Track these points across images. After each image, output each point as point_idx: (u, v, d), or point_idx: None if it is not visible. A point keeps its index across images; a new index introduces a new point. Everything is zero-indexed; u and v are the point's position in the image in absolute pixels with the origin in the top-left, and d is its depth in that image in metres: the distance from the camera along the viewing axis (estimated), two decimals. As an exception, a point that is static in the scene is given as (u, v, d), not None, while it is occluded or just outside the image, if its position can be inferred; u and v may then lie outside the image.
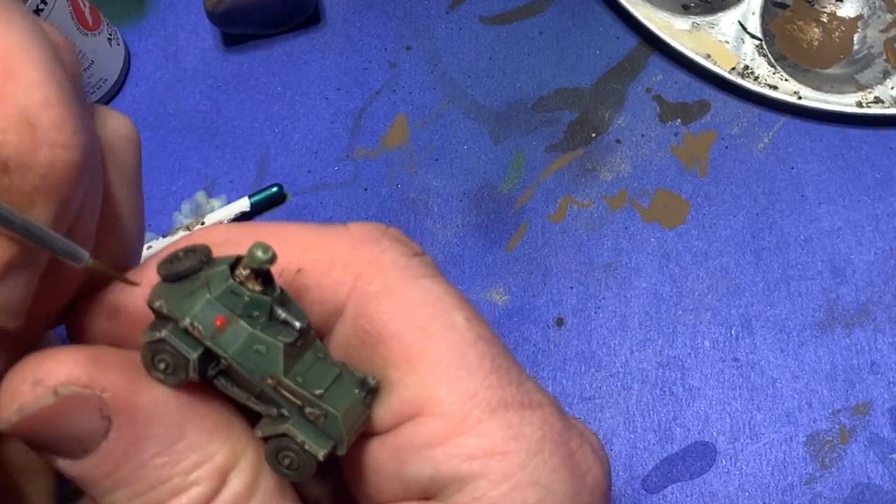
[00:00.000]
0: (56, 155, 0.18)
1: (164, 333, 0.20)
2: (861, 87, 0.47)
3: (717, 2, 0.50)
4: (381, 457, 0.21)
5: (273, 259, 0.20)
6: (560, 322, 0.43)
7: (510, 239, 0.45)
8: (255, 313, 0.20)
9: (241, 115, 0.48)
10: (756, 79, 0.47)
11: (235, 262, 0.20)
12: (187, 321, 0.20)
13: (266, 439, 0.21)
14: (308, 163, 0.47)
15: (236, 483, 0.20)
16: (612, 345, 0.43)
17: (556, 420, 0.22)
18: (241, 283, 0.20)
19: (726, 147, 0.47)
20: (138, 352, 0.21)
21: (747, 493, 0.40)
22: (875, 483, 0.40)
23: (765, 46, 0.48)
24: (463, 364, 0.21)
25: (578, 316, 0.43)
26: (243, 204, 0.45)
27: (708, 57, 0.47)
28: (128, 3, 0.52)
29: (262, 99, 0.49)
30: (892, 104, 0.46)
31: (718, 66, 0.47)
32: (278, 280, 0.21)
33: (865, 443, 0.40)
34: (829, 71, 0.49)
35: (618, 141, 0.47)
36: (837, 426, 0.41)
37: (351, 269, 0.22)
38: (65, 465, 0.20)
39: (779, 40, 0.49)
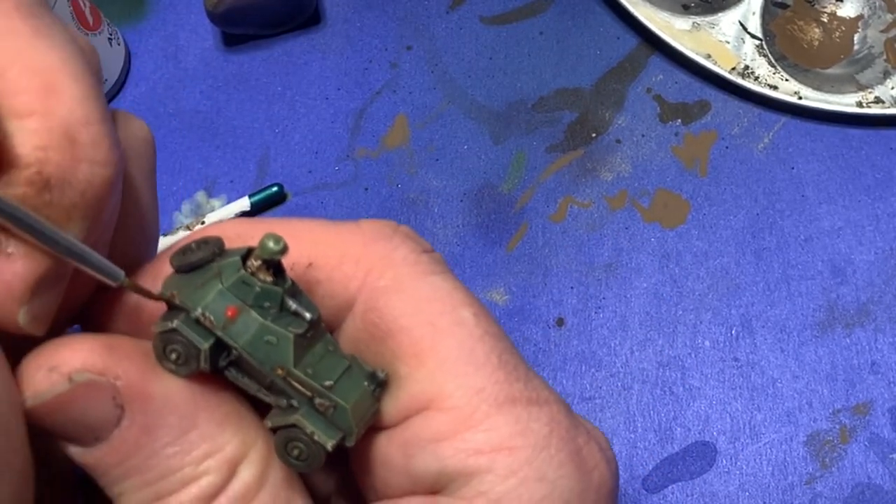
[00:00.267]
0: (94, 172, 0.18)
1: (175, 323, 0.20)
2: (861, 87, 0.47)
3: (717, 2, 0.50)
4: (389, 451, 0.22)
5: (284, 250, 0.20)
6: (560, 322, 0.43)
7: (510, 239, 0.45)
8: (266, 304, 0.20)
9: (241, 115, 0.48)
10: (756, 79, 0.47)
11: (247, 254, 0.21)
12: (199, 311, 0.20)
13: (275, 430, 0.21)
14: (308, 163, 0.47)
15: (246, 474, 0.20)
16: (613, 345, 0.43)
17: (563, 417, 0.22)
18: (253, 274, 0.20)
19: (726, 147, 0.47)
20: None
21: (747, 493, 0.40)
22: (875, 483, 0.40)
23: (765, 46, 0.48)
24: (471, 359, 0.21)
25: (579, 316, 0.43)
26: (243, 204, 0.45)
27: (708, 57, 0.47)
28: (128, 3, 0.52)
29: (262, 99, 0.49)
30: (892, 104, 0.46)
31: (719, 66, 0.47)
32: (289, 273, 0.21)
33: (866, 443, 0.40)
34: (829, 71, 0.49)
35: (618, 141, 0.47)
36: (838, 426, 0.41)
37: (362, 264, 0.22)
38: (76, 452, 0.20)
39: (779, 40, 0.49)
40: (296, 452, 0.20)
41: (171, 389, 0.20)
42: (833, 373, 0.42)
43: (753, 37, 0.48)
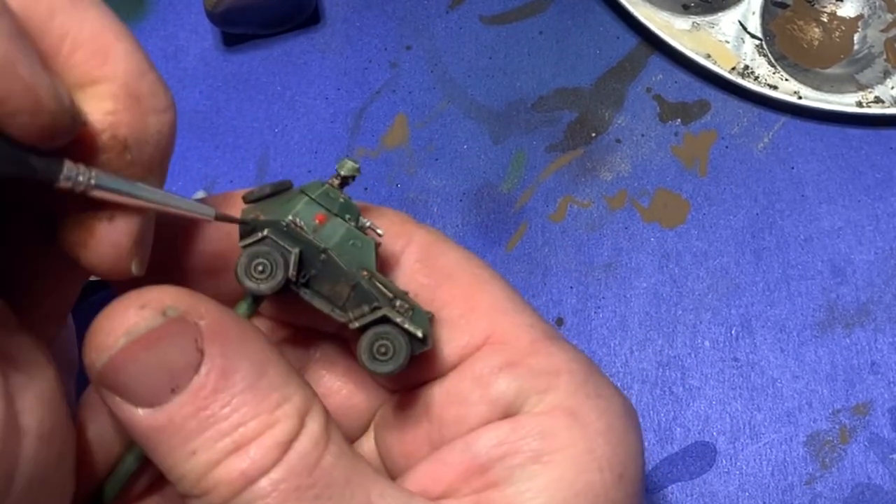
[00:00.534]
0: (161, 120, 0.19)
1: (266, 231, 0.21)
2: (861, 87, 0.47)
3: (717, 1, 0.50)
4: (461, 386, 0.23)
5: (359, 170, 0.23)
6: (560, 322, 0.43)
7: (510, 239, 0.45)
8: (347, 216, 0.22)
9: (240, 115, 0.48)
10: (756, 79, 0.47)
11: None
12: (290, 217, 0.21)
13: (363, 329, 0.22)
14: (308, 162, 0.47)
15: (313, 426, 0.21)
16: (612, 345, 0.43)
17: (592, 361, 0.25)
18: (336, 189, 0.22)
19: (726, 147, 0.47)
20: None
21: (747, 493, 0.40)
22: (875, 483, 0.40)
23: (765, 46, 0.48)
24: (514, 303, 0.24)
25: (578, 316, 0.43)
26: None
27: (708, 57, 0.47)
28: (128, 3, 0.52)
29: (261, 99, 0.49)
30: (892, 104, 0.46)
31: (718, 65, 0.47)
32: None
33: (865, 443, 0.40)
34: (829, 71, 0.49)
35: (618, 141, 0.47)
36: (837, 426, 0.41)
37: (406, 227, 0.25)
38: (147, 415, 0.20)
39: (779, 40, 0.49)
40: (383, 350, 0.21)
41: (247, 333, 0.21)
42: (833, 373, 0.42)
43: (753, 37, 0.48)
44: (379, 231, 0.23)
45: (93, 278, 0.22)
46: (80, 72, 0.18)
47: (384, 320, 0.21)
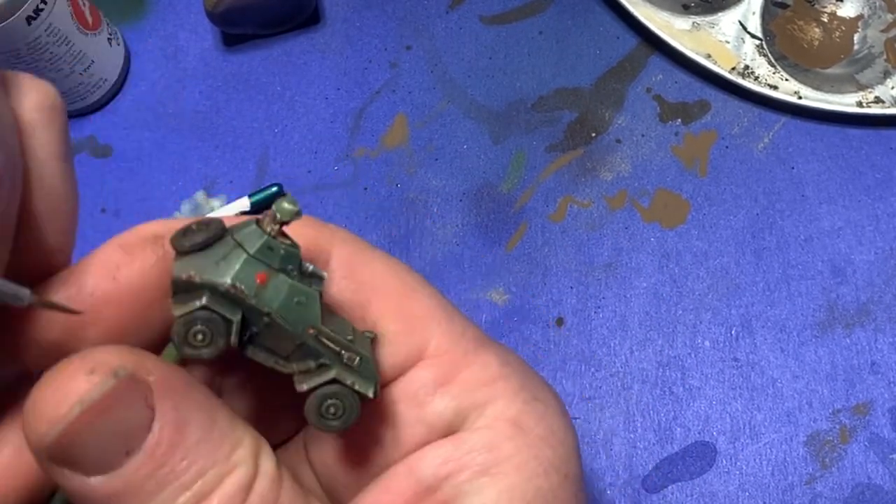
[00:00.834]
0: None
1: (204, 300, 0.20)
2: (861, 87, 0.47)
3: (717, 2, 0.50)
4: (398, 407, 0.23)
5: (300, 211, 0.21)
6: (560, 322, 0.43)
7: (510, 239, 0.45)
8: (290, 267, 0.21)
9: (240, 115, 0.48)
10: (756, 79, 0.47)
11: (258, 223, 0.21)
12: (228, 282, 0.20)
13: (310, 392, 0.21)
14: (308, 163, 0.47)
15: (267, 465, 0.21)
16: (612, 344, 0.42)
17: (521, 359, 0.25)
18: (274, 238, 0.21)
19: (726, 147, 0.47)
20: (129, 296, 0.21)
21: (747, 493, 0.40)
22: (875, 483, 0.40)
23: (765, 46, 0.48)
24: (445, 310, 0.24)
25: (578, 316, 0.43)
26: (243, 203, 0.45)
27: (708, 57, 0.47)
28: (128, 2, 0.52)
29: (261, 99, 0.49)
30: (892, 104, 0.46)
31: (719, 65, 0.47)
32: None
33: (865, 443, 0.40)
34: (829, 71, 0.49)
35: (618, 141, 0.47)
36: (837, 426, 0.41)
37: (321, 240, 0.24)
38: (101, 483, 0.19)
39: (779, 40, 0.49)
40: (332, 410, 0.21)
41: (191, 384, 0.20)
42: (833, 373, 0.42)
43: (753, 37, 0.48)
44: (322, 275, 0.21)
45: None
46: None
47: (333, 382, 0.20)
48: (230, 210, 0.45)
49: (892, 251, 0.44)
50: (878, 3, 0.49)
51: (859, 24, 0.50)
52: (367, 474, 0.23)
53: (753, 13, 0.49)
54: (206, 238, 0.20)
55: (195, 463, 0.19)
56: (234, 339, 0.20)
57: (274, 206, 0.20)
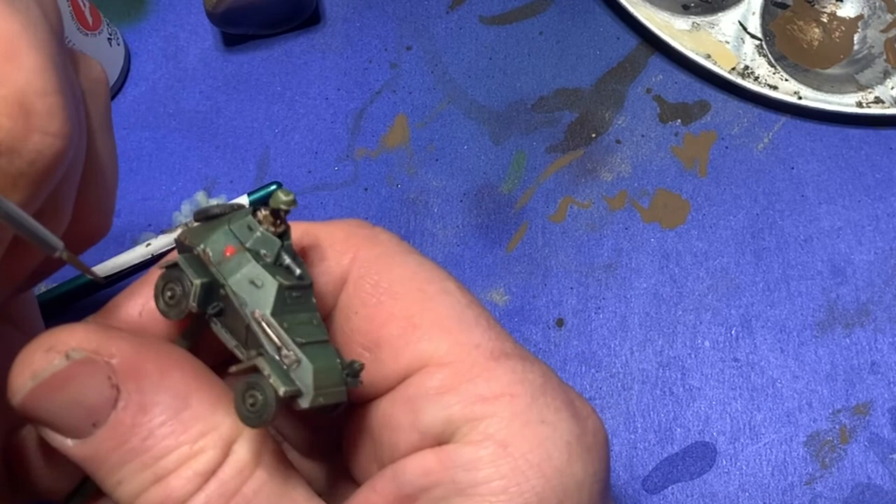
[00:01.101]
0: (46, 143, 0.18)
1: (178, 258, 0.21)
2: (861, 87, 0.47)
3: (717, 2, 0.50)
4: (393, 411, 0.23)
5: (293, 202, 0.21)
6: (560, 322, 0.43)
7: (510, 239, 0.45)
8: (263, 252, 0.21)
9: (241, 116, 0.48)
10: (756, 79, 0.47)
11: (258, 208, 0.22)
12: (201, 247, 0.21)
13: (237, 375, 0.21)
14: (308, 163, 0.47)
15: (241, 452, 0.21)
16: (613, 345, 0.43)
17: (553, 373, 0.23)
18: (259, 222, 0.21)
19: (726, 147, 0.47)
20: (146, 330, 0.22)
21: (747, 494, 0.40)
22: (875, 483, 0.40)
23: (765, 46, 0.48)
24: (462, 320, 0.23)
25: (579, 316, 0.43)
26: (242, 202, 0.45)
27: (708, 57, 0.47)
28: (128, 3, 0.52)
29: (262, 99, 0.49)
30: (892, 104, 0.46)
31: (718, 66, 0.47)
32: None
33: (865, 443, 0.40)
34: (829, 71, 0.49)
35: (618, 141, 0.47)
36: (837, 426, 0.41)
37: (352, 241, 0.24)
38: (75, 446, 0.20)
39: (779, 40, 0.49)
40: (251, 401, 0.20)
41: (165, 368, 0.21)
42: (833, 373, 0.42)
43: (753, 37, 0.48)
44: (298, 271, 0.22)
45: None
46: None
47: (255, 370, 0.20)
48: (230, 210, 0.45)
49: (892, 251, 0.44)
50: (878, 3, 0.49)
51: (859, 24, 0.50)
52: (375, 468, 0.23)
53: (753, 13, 0.49)
54: (217, 212, 0.22)
55: (158, 444, 0.20)
56: (192, 302, 0.20)
57: (273, 193, 0.21)
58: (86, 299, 0.44)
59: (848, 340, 0.42)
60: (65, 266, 0.22)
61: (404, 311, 0.23)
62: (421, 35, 0.50)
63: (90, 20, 0.46)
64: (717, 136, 0.47)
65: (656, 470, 0.40)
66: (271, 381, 0.20)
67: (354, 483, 0.25)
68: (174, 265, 0.21)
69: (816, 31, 0.50)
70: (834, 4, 0.50)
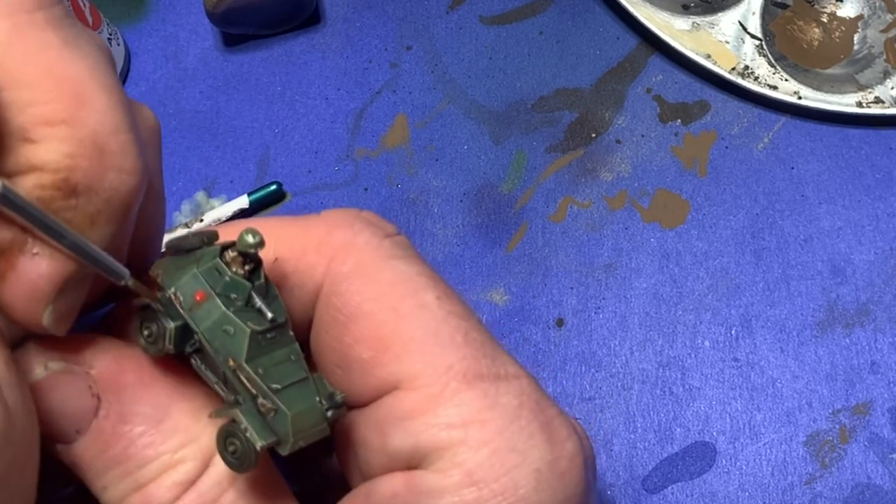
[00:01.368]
0: (122, 181, 0.19)
1: (151, 301, 0.21)
2: (861, 87, 0.47)
3: (717, 2, 0.50)
4: (365, 431, 0.22)
5: (260, 244, 0.21)
6: (560, 322, 0.43)
7: (510, 239, 0.45)
8: (233, 296, 0.21)
9: (241, 115, 0.48)
10: (756, 79, 0.47)
11: (227, 247, 0.21)
12: (172, 290, 0.21)
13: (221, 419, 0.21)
14: (308, 163, 0.47)
15: (221, 465, 0.21)
16: (613, 345, 0.43)
17: (533, 391, 0.22)
18: (227, 265, 0.21)
19: (726, 147, 0.47)
20: (129, 340, 0.22)
21: (747, 493, 0.40)
22: (875, 483, 0.40)
23: (765, 46, 0.48)
24: (436, 340, 0.22)
25: (579, 316, 0.43)
26: (242, 202, 0.45)
27: (708, 57, 0.47)
28: (128, 3, 0.52)
29: (262, 99, 0.49)
30: (892, 104, 0.46)
31: (718, 66, 0.47)
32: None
33: (865, 443, 0.40)
34: (829, 71, 0.49)
35: (618, 141, 0.47)
36: (837, 426, 0.41)
37: (324, 251, 0.23)
38: (62, 451, 0.21)
39: (779, 40, 0.49)
40: (231, 449, 0.20)
41: (145, 379, 0.21)
42: (833, 373, 0.42)
43: (753, 37, 0.48)
44: (269, 314, 0.21)
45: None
46: (55, 109, 0.18)
47: (233, 422, 0.20)
48: (229, 209, 0.45)
49: (892, 251, 0.44)
50: (877, 4, 0.49)
51: (859, 24, 0.50)
52: (358, 478, 0.23)
53: (753, 13, 0.49)
54: (188, 245, 0.21)
55: (139, 452, 0.20)
56: (168, 344, 0.20)
57: (239, 235, 0.21)
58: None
59: (848, 340, 0.42)
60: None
61: (375, 331, 0.22)
62: (421, 35, 0.50)
63: (90, 20, 0.46)
64: (717, 136, 0.47)
65: (656, 470, 0.40)
66: (247, 435, 0.20)
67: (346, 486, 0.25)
68: (145, 307, 0.21)
69: (816, 31, 0.50)
70: (834, 4, 0.50)
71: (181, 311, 0.21)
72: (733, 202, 0.45)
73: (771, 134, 0.47)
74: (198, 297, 0.21)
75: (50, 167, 0.18)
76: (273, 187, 0.45)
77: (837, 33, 0.50)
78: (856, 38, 0.49)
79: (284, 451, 0.20)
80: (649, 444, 0.41)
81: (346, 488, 0.24)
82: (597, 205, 0.46)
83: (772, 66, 0.47)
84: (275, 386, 0.20)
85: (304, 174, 0.47)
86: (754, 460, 0.40)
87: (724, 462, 0.40)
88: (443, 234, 0.45)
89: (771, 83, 0.47)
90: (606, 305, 0.43)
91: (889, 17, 0.49)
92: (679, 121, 0.47)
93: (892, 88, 0.47)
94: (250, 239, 0.21)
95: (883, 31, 0.49)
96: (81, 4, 0.45)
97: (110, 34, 0.48)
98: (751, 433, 0.41)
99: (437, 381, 0.21)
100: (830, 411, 0.41)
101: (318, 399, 0.21)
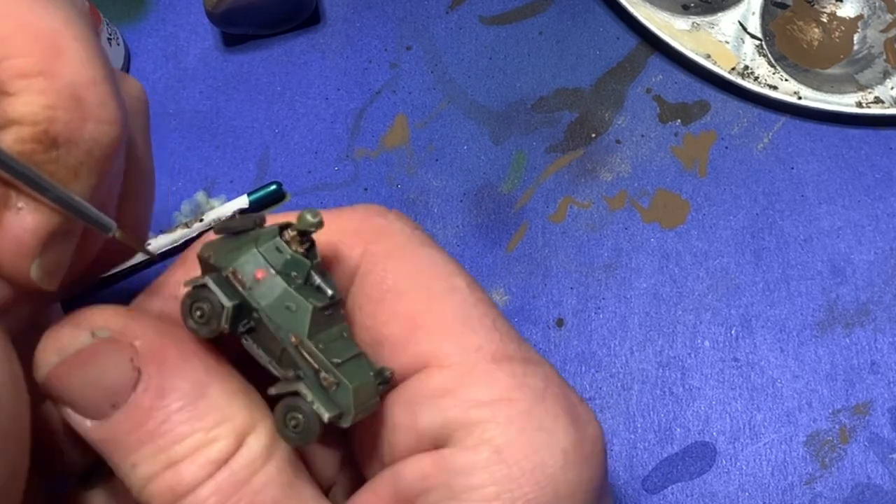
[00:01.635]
0: (101, 131, 0.19)
1: (206, 279, 0.21)
2: (861, 88, 0.47)
3: (717, 2, 0.50)
4: (393, 411, 0.23)
5: (320, 224, 0.21)
6: (560, 322, 0.43)
7: (510, 239, 0.45)
8: (294, 273, 0.21)
9: (241, 116, 0.48)
10: (756, 79, 0.47)
11: (285, 227, 0.22)
12: (230, 269, 0.21)
13: (278, 399, 0.21)
14: (308, 163, 0.47)
15: (254, 446, 0.21)
16: (613, 345, 0.43)
17: (556, 376, 0.23)
18: (287, 243, 0.22)
19: (726, 147, 0.47)
20: (171, 316, 0.22)
21: (747, 493, 0.40)
22: (875, 483, 0.40)
23: (765, 46, 0.48)
24: (467, 322, 0.23)
25: (578, 316, 0.43)
26: (242, 202, 0.45)
27: (708, 57, 0.47)
28: (128, 2, 0.52)
29: (262, 99, 0.49)
30: (892, 104, 0.46)
31: (718, 66, 0.47)
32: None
33: (865, 443, 0.40)
34: (829, 71, 0.49)
35: (618, 141, 0.47)
36: (837, 426, 0.41)
37: (362, 235, 0.24)
38: (93, 428, 0.20)
39: (779, 40, 0.49)
40: (293, 423, 0.21)
41: (186, 355, 0.21)
42: (833, 373, 0.42)
43: (753, 37, 0.48)
44: (329, 291, 0.22)
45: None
46: (30, 62, 0.19)
47: (296, 394, 0.21)
48: (228, 209, 0.45)
49: (892, 251, 0.44)
50: (877, 4, 0.49)
51: (859, 24, 0.50)
52: (378, 468, 0.23)
53: (753, 13, 0.49)
54: (239, 226, 0.22)
55: (174, 429, 0.20)
56: (224, 324, 0.21)
57: (298, 214, 0.21)
58: (123, 281, 0.44)
59: (848, 340, 0.42)
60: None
61: (408, 309, 0.23)
62: (421, 35, 0.50)
63: (90, 20, 0.46)
64: (716, 136, 0.47)
65: (656, 470, 0.40)
66: (315, 407, 0.21)
67: (360, 474, 0.25)
68: (202, 285, 0.21)
69: (816, 31, 0.50)
70: (834, 4, 0.50)
71: (240, 289, 0.21)
72: (733, 202, 0.45)
73: (771, 134, 0.47)
74: (258, 275, 0.21)
75: (28, 119, 0.18)
76: (273, 187, 0.45)
77: (837, 33, 0.50)
78: (856, 38, 0.49)
79: (346, 423, 0.21)
80: (649, 444, 0.41)
81: (356, 482, 0.24)
82: (597, 205, 0.46)
83: (772, 66, 0.47)
84: (335, 360, 0.21)
85: (303, 174, 0.47)
86: (754, 460, 0.40)
87: (724, 462, 0.40)
88: (443, 235, 0.45)
89: (771, 83, 0.47)
90: (606, 305, 0.43)
91: (889, 17, 0.49)
92: (679, 121, 0.47)
93: (892, 88, 0.47)
94: (311, 218, 0.21)
95: (883, 31, 0.49)
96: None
97: (110, 34, 0.48)
98: (751, 433, 0.41)
99: (467, 360, 0.22)
100: (830, 411, 0.41)
101: (371, 374, 0.22)
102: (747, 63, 0.47)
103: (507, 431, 0.21)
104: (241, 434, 0.21)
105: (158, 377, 0.20)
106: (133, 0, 0.52)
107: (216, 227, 0.22)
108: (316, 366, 0.21)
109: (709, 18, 0.49)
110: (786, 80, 0.47)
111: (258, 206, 0.46)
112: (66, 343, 0.20)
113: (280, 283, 0.21)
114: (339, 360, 0.21)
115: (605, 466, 0.23)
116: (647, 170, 0.46)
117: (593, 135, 0.47)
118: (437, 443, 0.22)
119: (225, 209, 0.45)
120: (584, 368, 0.42)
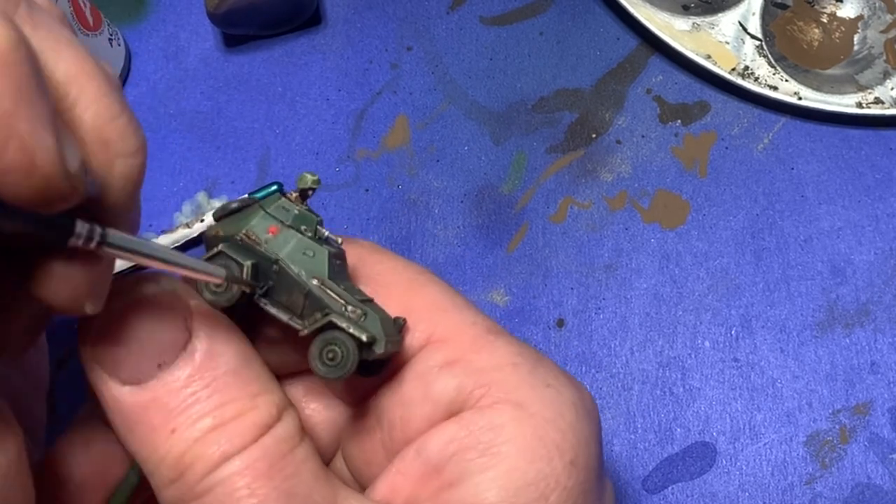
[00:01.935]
0: (130, 165, 0.20)
1: (220, 247, 0.22)
2: (861, 88, 0.47)
3: (717, 2, 0.50)
4: (405, 387, 0.24)
5: (319, 181, 0.23)
6: (561, 323, 0.43)
7: (511, 240, 0.45)
8: (303, 227, 0.23)
9: (241, 116, 0.48)
10: (756, 79, 0.47)
11: (283, 193, 0.23)
12: (243, 232, 0.22)
13: (313, 335, 0.22)
14: (309, 164, 0.47)
15: (290, 421, 0.21)
16: (613, 345, 0.43)
17: (542, 354, 0.25)
18: (292, 203, 0.23)
19: (726, 147, 0.47)
20: None
21: (747, 494, 0.40)
22: (875, 483, 0.40)
23: (765, 47, 0.48)
24: (455, 304, 0.25)
25: (579, 317, 0.43)
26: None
27: (708, 57, 0.47)
28: (128, 3, 0.52)
29: (262, 100, 0.49)
30: (892, 105, 0.46)
31: (718, 66, 0.47)
32: None
33: (865, 443, 0.40)
34: (829, 71, 0.49)
35: (618, 142, 0.47)
36: (837, 426, 0.41)
37: (345, 239, 0.25)
38: (131, 393, 0.20)
39: (779, 41, 0.49)
40: (331, 355, 0.21)
41: (231, 327, 0.22)
42: (833, 373, 0.42)
43: (753, 37, 0.48)
44: (337, 243, 0.23)
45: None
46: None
47: (331, 326, 0.21)
48: (231, 211, 0.45)
49: (892, 251, 0.44)
50: (877, 4, 0.49)
51: (859, 24, 0.50)
52: (382, 454, 0.24)
53: (753, 14, 0.49)
54: (238, 207, 0.23)
55: (219, 391, 0.21)
56: (247, 274, 0.21)
57: (298, 176, 0.23)
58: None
59: (848, 340, 0.42)
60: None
61: (399, 296, 0.24)
62: (421, 36, 0.50)
63: (91, 20, 0.46)
64: (717, 136, 0.47)
65: (656, 470, 0.40)
66: (351, 331, 0.21)
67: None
68: (216, 254, 0.22)
69: (816, 32, 0.50)
70: (834, 5, 0.50)
71: (256, 246, 0.22)
72: (733, 203, 0.45)
73: (771, 134, 0.47)
74: (271, 232, 0.22)
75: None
76: (273, 188, 0.46)
77: (837, 34, 0.50)
78: (856, 38, 0.50)
79: (380, 350, 0.22)
80: (649, 444, 0.41)
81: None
82: (597, 205, 0.46)
83: (772, 66, 0.47)
84: (359, 297, 0.22)
85: (304, 175, 0.47)
86: (754, 460, 0.40)
87: (724, 462, 0.40)
88: (443, 235, 0.45)
89: (771, 84, 0.47)
90: (607, 306, 0.43)
91: (889, 18, 0.49)
92: (679, 121, 0.47)
93: (892, 89, 0.47)
94: (310, 176, 0.23)
95: (883, 32, 0.49)
96: (82, 5, 0.45)
97: (111, 34, 0.48)
98: (751, 433, 0.41)
99: (466, 333, 0.24)
100: (830, 411, 0.41)
101: (390, 315, 0.23)
102: (747, 63, 0.47)
103: (521, 388, 0.23)
104: (281, 407, 0.21)
105: (209, 340, 0.21)
106: (134, 0, 0.52)
107: (216, 214, 0.23)
108: (342, 301, 0.22)
109: (709, 19, 0.49)
110: (786, 80, 0.47)
111: (259, 207, 0.46)
112: (133, 288, 0.20)
113: (294, 234, 0.22)
114: (361, 298, 0.22)
115: (600, 424, 0.25)
116: (647, 170, 0.46)
117: (594, 135, 0.47)
118: (451, 409, 0.23)
119: (226, 210, 0.45)
120: (584, 368, 0.42)
